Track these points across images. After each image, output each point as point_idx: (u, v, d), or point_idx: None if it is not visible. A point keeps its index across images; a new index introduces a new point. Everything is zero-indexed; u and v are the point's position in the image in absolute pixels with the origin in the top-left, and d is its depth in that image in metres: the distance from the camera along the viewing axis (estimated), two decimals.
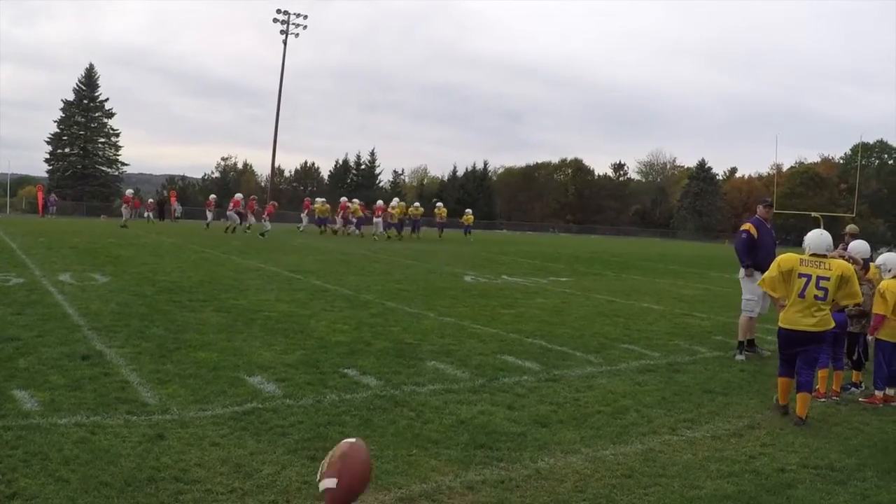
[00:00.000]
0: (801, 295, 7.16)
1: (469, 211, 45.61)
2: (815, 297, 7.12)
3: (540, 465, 5.48)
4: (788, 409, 7.32)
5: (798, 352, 7.28)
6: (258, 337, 9.45)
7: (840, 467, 5.84)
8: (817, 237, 7.44)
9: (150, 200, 50.95)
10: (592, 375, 8.50)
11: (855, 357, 8.65)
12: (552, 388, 7.79)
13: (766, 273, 7.63)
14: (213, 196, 44.06)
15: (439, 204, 45.97)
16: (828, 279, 7.11)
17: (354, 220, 38.17)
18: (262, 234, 32.77)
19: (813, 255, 7.33)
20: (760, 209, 11.00)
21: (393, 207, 39.29)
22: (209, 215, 39.98)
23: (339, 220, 39.49)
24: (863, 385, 8.51)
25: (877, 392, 7.99)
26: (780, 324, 7.43)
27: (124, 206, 41.70)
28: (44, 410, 5.97)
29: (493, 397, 7.24)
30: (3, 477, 4.60)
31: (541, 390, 7.66)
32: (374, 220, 37.63)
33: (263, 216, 35.93)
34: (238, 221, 35.67)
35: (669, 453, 5.96)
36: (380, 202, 39.97)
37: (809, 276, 7.15)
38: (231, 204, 36.68)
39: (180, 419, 5.99)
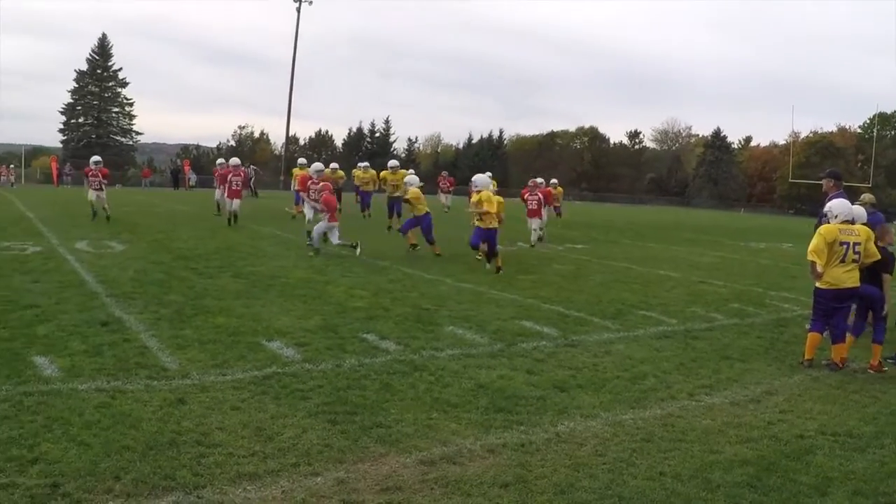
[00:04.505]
0: (843, 260, 7.93)
1: (555, 182, 26.27)
2: (853, 260, 7.97)
3: (560, 429, 5.47)
4: (814, 364, 7.88)
5: (837, 308, 8.02)
6: (276, 303, 9.47)
7: (858, 434, 5.81)
8: (848, 206, 8.19)
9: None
10: (610, 341, 8.49)
11: None
12: (570, 353, 7.79)
13: (814, 244, 8.03)
14: (220, 161, 25.46)
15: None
16: (860, 244, 8.00)
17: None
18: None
19: (844, 222, 8.03)
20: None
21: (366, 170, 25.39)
22: (218, 193, 24.11)
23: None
24: None
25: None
26: (822, 285, 8.01)
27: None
28: (64, 376, 6.00)
29: (511, 362, 7.24)
30: (25, 442, 4.62)
31: (559, 355, 7.65)
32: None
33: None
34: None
35: (688, 418, 5.94)
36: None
37: (848, 244, 7.94)
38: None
39: (200, 384, 6.01)
